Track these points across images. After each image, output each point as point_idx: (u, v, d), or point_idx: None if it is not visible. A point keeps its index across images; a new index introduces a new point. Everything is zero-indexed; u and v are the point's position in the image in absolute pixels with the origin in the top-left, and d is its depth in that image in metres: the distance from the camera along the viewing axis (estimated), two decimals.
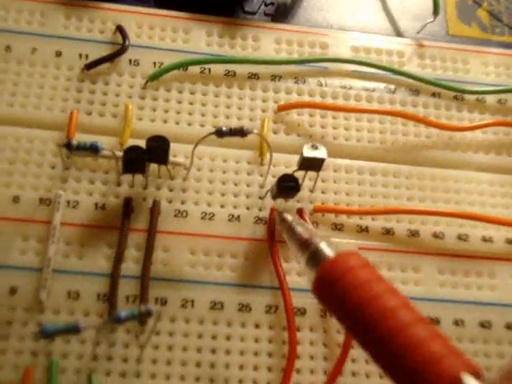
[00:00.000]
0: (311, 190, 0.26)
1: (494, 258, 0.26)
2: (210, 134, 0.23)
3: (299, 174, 0.24)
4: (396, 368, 0.16)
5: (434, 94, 0.28)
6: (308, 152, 0.24)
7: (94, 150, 0.21)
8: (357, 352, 0.23)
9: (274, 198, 0.24)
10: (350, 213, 0.25)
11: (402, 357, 0.15)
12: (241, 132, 0.23)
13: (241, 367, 0.23)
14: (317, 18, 0.30)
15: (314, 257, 0.19)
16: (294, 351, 0.22)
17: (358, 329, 0.17)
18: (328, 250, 0.19)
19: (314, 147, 0.24)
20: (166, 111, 0.26)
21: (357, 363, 0.23)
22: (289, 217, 0.23)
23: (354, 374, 0.23)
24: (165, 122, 0.26)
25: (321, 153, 0.24)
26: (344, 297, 0.17)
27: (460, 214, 0.25)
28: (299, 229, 0.21)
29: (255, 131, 0.23)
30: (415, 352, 0.15)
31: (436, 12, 0.29)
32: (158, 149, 0.23)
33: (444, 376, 0.15)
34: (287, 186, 0.23)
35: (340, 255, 0.19)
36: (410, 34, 0.30)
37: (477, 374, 0.15)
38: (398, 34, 0.30)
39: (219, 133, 0.23)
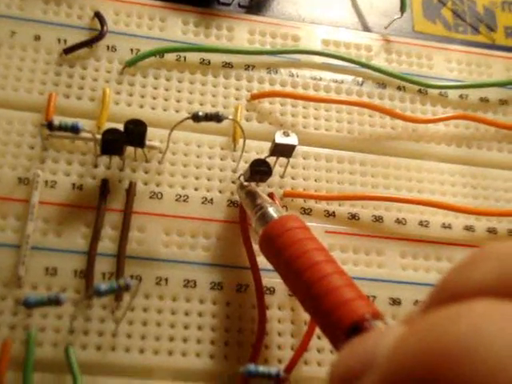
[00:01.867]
0: (281, 176, 0.27)
1: (453, 243, 0.27)
2: (187, 118, 0.24)
3: (270, 160, 0.25)
4: (316, 311, 0.19)
5: (399, 88, 0.30)
6: (280, 138, 0.25)
7: (74, 130, 0.22)
8: None
9: (247, 181, 0.25)
10: (318, 198, 0.27)
11: (320, 301, 0.18)
12: (216, 117, 0.24)
13: (212, 342, 0.24)
14: (290, 11, 0.31)
15: (262, 218, 0.22)
16: (263, 328, 0.23)
17: (289, 279, 0.20)
18: (274, 213, 0.22)
19: (286, 134, 0.25)
20: (143, 96, 0.27)
21: (322, 339, 0.24)
22: (246, 184, 0.25)
23: (319, 351, 0.24)
24: (141, 106, 0.27)
25: (292, 139, 0.25)
26: (280, 252, 0.20)
27: (421, 201, 0.27)
28: (254, 195, 0.24)
29: (230, 117, 0.24)
30: (330, 296, 0.18)
31: (403, 9, 0.31)
32: (135, 132, 0.24)
33: (351, 315, 0.17)
34: (260, 170, 0.24)
35: (282, 217, 0.22)
36: (378, 29, 0.32)
37: (380, 317, 0.17)
38: (367, 29, 0.32)
39: (195, 117, 0.24)
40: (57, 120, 0.22)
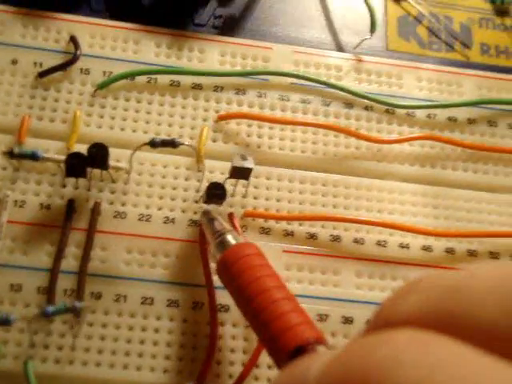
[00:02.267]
0: (244, 196, 0.28)
1: (410, 263, 0.28)
2: (144, 144, 0.25)
3: (232, 182, 0.26)
4: (264, 336, 0.20)
5: (366, 108, 0.30)
6: (236, 162, 0.26)
7: (34, 157, 0.23)
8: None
9: (205, 203, 0.26)
10: (277, 218, 0.27)
11: (267, 326, 0.19)
12: (172, 143, 0.25)
13: (167, 358, 0.25)
14: (263, 32, 0.32)
15: (220, 244, 0.23)
16: (214, 344, 0.25)
17: (241, 304, 0.21)
18: (232, 240, 0.23)
19: (243, 158, 0.26)
20: (113, 118, 0.28)
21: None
22: (210, 210, 0.26)
23: (269, 367, 0.25)
24: (111, 128, 0.28)
25: (248, 163, 0.26)
26: (234, 278, 0.21)
27: (375, 222, 0.27)
28: (215, 221, 0.24)
29: (186, 143, 0.26)
30: (277, 321, 0.19)
31: (373, 29, 0.31)
32: (97, 155, 0.25)
33: (295, 339, 0.18)
34: (215, 194, 0.25)
35: (238, 245, 0.23)
36: (350, 48, 0.32)
37: (323, 342, 0.18)
38: (340, 48, 0.32)
39: (152, 143, 0.25)
40: (17, 148, 0.24)
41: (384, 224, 0.27)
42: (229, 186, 0.27)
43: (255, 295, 0.20)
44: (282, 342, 0.18)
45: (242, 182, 0.27)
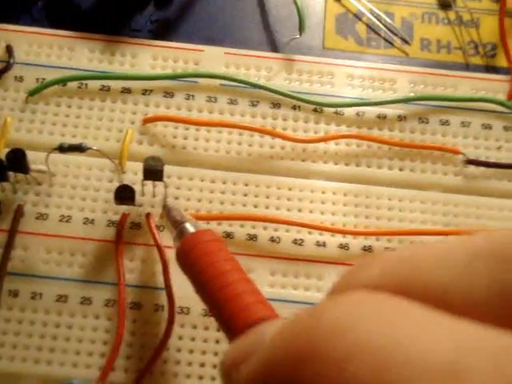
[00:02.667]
0: (166, 197, 0.29)
1: (325, 261, 0.28)
2: (54, 150, 0.26)
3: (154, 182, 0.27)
4: (221, 318, 0.20)
5: (294, 107, 0.31)
6: (147, 164, 0.27)
7: None
8: (172, 342, 0.26)
9: (117, 204, 0.27)
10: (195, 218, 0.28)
11: (223, 307, 0.20)
12: (79, 148, 0.26)
13: (77, 353, 0.26)
14: (197, 34, 0.33)
15: (179, 233, 0.24)
16: (120, 339, 0.26)
17: (199, 289, 0.22)
18: (190, 228, 0.24)
19: (154, 159, 0.27)
20: (43, 123, 0.30)
21: (171, 351, 0.26)
22: (169, 203, 0.27)
23: (165, 361, 0.26)
24: (40, 132, 0.30)
25: (158, 164, 0.27)
26: (193, 263, 0.22)
27: (291, 221, 0.28)
28: (175, 212, 0.25)
29: (94, 148, 0.27)
30: (232, 301, 0.20)
31: (301, 28, 0.31)
32: (15, 160, 0.26)
33: (249, 317, 0.19)
34: (123, 196, 0.26)
35: (196, 232, 0.23)
36: (284, 48, 0.32)
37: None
38: (274, 48, 0.33)
39: (60, 148, 0.26)
40: None
41: (298, 223, 0.28)
42: (150, 187, 0.28)
43: (211, 279, 0.21)
44: (237, 321, 0.19)
45: (167, 182, 0.28)
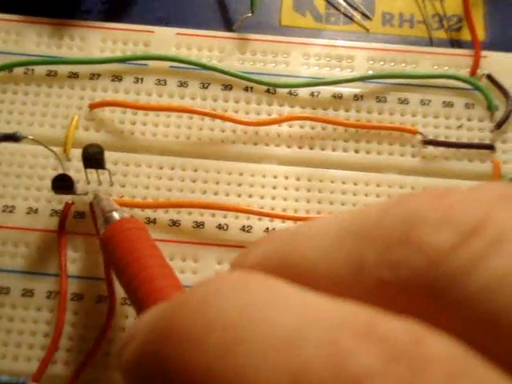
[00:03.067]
0: (111, 185, 0.28)
1: None
2: None
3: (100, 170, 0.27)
4: (136, 302, 0.21)
5: (246, 89, 0.30)
6: (85, 151, 0.26)
7: None
8: (115, 334, 0.26)
9: (56, 193, 0.26)
10: (139, 206, 0.27)
11: (138, 290, 0.21)
12: (13, 137, 0.25)
13: (18, 346, 0.26)
14: (150, 15, 0.32)
15: (105, 222, 0.24)
16: (59, 331, 0.25)
17: (119, 275, 0.22)
18: (116, 217, 0.24)
19: (92, 146, 0.26)
20: None
21: (113, 344, 0.25)
22: (99, 193, 0.27)
23: (107, 354, 0.25)
24: None
25: (96, 150, 0.26)
26: (114, 249, 0.23)
27: (238, 208, 0.27)
28: (104, 202, 0.25)
29: (30, 137, 0.26)
30: (147, 285, 0.21)
31: (253, 7, 0.30)
32: None
33: (162, 298, 0.19)
34: (60, 185, 0.26)
35: (121, 220, 0.24)
36: (239, 28, 0.31)
37: None
38: (229, 28, 0.31)
39: None
40: None
41: (246, 210, 0.27)
42: (94, 174, 0.27)
43: (129, 264, 0.22)
44: (149, 305, 0.19)
45: (113, 169, 0.27)
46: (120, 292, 0.26)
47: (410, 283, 0.09)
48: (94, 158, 0.26)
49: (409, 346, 0.08)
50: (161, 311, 0.11)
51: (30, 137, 0.26)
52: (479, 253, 0.09)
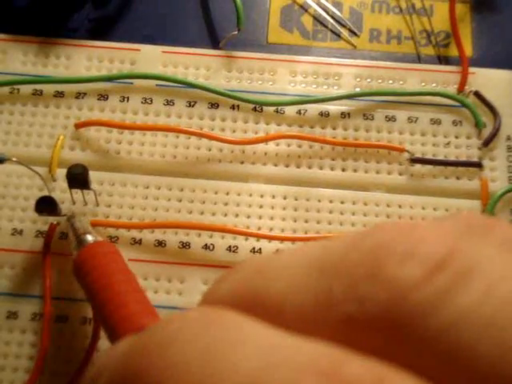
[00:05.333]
0: (97, 205, 0.28)
1: None
2: None
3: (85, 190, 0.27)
4: (107, 328, 0.20)
5: (233, 107, 0.30)
6: (68, 172, 0.26)
7: None
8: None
9: (40, 215, 0.26)
10: (124, 226, 0.27)
11: (109, 317, 0.20)
12: None
13: (2, 369, 0.25)
14: (136, 33, 0.32)
15: (78, 244, 0.24)
16: (44, 354, 0.25)
17: (91, 299, 0.22)
18: (89, 240, 0.24)
19: (76, 167, 0.26)
20: None
21: None
22: (74, 214, 0.26)
23: None
24: None
25: (81, 171, 0.26)
26: (86, 273, 0.22)
27: (224, 228, 0.27)
28: (78, 223, 0.25)
29: (14, 159, 0.26)
30: (118, 311, 0.20)
31: (239, 24, 0.30)
32: None
33: (131, 327, 0.19)
34: (43, 208, 0.26)
35: (94, 243, 0.23)
36: (226, 45, 0.31)
37: None
38: (215, 46, 0.31)
39: None
40: None
41: (232, 230, 0.27)
42: (80, 194, 0.27)
43: (101, 289, 0.21)
44: (119, 331, 0.19)
45: (99, 190, 0.27)
46: None
47: (376, 318, 0.09)
48: (78, 179, 0.26)
49: None
50: (126, 349, 0.11)
51: (14, 159, 0.26)
52: (444, 288, 0.09)
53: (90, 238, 0.24)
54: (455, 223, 0.11)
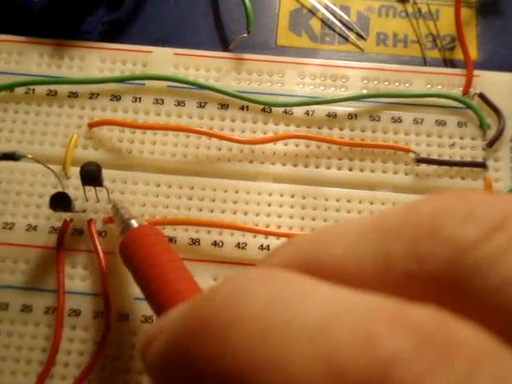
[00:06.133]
0: (109, 202, 0.28)
1: None
2: None
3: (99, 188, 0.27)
4: (154, 303, 0.21)
5: (242, 108, 0.30)
6: (82, 169, 0.26)
7: None
8: (111, 349, 0.26)
9: (54, 211, 0.27)
10: None
11: (157, 293, 0.21)
12: (13, 157, 0.26)
13: (16, 360, 0.26)
14: (148, 35, 0.32)
15: (123, 230, 0.25)
16: (57, 346, 0.26)
17: (138, 279, 0.23)
18: (134, 224, 0.25)
19: (90, 164, 0.26)
20: None
21: (109, 359, 0.26)
22: (117, 202, 0.27)
23: (104, 368, 0.26)
24: None
25: (95, 169, 0.26)
26: (133, 255, 0.23)
27: (233, 225, 0.27)
28: (122, 211, 0.26)
29: (29, 156, 0.26)
30: (165, 289, 0.21)
31: (249, 27, 0.31)
32: None
33: (182, 299, 0.20)
34: (58, 203, 0.26)
35: (139, 227, 0.24)
36: (236, 47, 0.32)
37: None
38: (225, 48, 0.32)
39: None
40: None
41: (240, 227, 0.27)
42: (93, 192, 0.28)
43: (147, 269, 0.22)
44: (167, 307, 0.20)
45: (110, 187, 0.28)
46: (116, 307, 0.26)
47: (436, 274, 0.10)
48: (91, 176, 0.26)
49: (437, 330, 0.09)
50: (187, 309, 0.12)
51: (29, 156, 0.26)
52: (502, 247, 0.10)
53: (135, 222, 0.25)
54: (510, 195, 0.12)
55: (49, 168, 0.27)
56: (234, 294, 0.10)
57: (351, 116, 0.30)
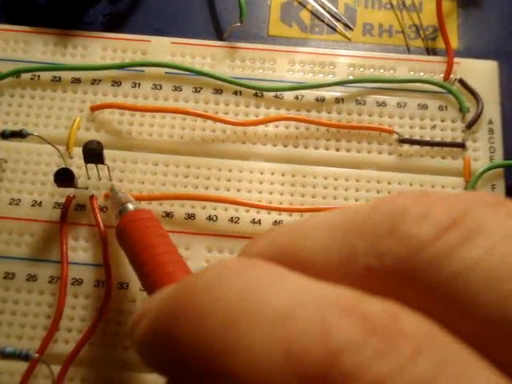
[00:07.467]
0: (110, 180, 0.30)
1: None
2: None
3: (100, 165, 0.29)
4: (148, 286, 0.23)
5: (235, 93, 0.32)
6: (85, 147, 0.28)
7: None
8: (112, 315, 0.28)
9: (58, 186, 0.29)
10: (136, 198, 0.30)
11: (150, 274, 0.23)
12: (20, 134, 0.28)
13: (22, 326, 0.28)
14: (147, 26, 0.34)
15: (120, 212, 0.26)
16: (60, 313, 0.27)
17: (132, 261, 0.24)
18: (130, 208, 0.26)
19: (92, 143, 0.28)
20: None
21: (110, 324, 0.27)
22: (115, 186, 0.29)
23: (104, 333, 0.27)
24: None
25: (97, 146, 0.28)
26: (128, 237, 0.25)
27: (226, 199, 0.29)
28: (119, 194, 0.28)
29: (35, 134, 0.28)
30: (158, 270, 0.23)
31: (242, 17, 0.33)
32: None
33: (172, 280, 0.21)
34: (61, 178, 0.28)
35: (135, 211, 0.26)
36: (230, 37, 0.34)
37: None
38: (220, 37, 0.34)
39: (3, 135, 0.28)
40: None
41: (231, 201, 0.29)
42: (94, 170, 0.29)
43: (141, 251, 0.24)
44: (158, 288, 0.21)
45: (113, 166, 0.30)
46: (116, 277, 0.28)
47: (393, 269, 0.11)
48: (93, 153, 0.28)
49: (385, 321, 0.09)
50: (171, 292, 0.13)
51: (36, 133, 0.28)
52: (454, 244, 0.10)
53: (130, 206, 0.26)
54: (466, 194, 0.13)
55: (53, 146, 0.29)
56: (213, 281, 0.11)
57: (338, 100, 0.32)
